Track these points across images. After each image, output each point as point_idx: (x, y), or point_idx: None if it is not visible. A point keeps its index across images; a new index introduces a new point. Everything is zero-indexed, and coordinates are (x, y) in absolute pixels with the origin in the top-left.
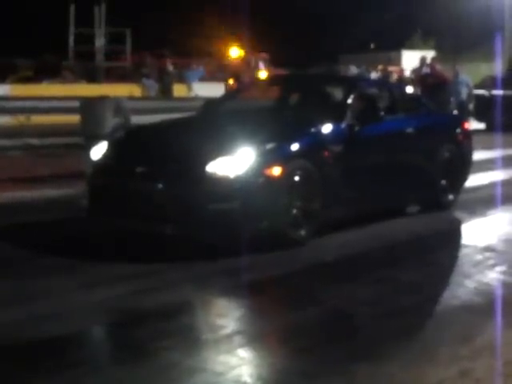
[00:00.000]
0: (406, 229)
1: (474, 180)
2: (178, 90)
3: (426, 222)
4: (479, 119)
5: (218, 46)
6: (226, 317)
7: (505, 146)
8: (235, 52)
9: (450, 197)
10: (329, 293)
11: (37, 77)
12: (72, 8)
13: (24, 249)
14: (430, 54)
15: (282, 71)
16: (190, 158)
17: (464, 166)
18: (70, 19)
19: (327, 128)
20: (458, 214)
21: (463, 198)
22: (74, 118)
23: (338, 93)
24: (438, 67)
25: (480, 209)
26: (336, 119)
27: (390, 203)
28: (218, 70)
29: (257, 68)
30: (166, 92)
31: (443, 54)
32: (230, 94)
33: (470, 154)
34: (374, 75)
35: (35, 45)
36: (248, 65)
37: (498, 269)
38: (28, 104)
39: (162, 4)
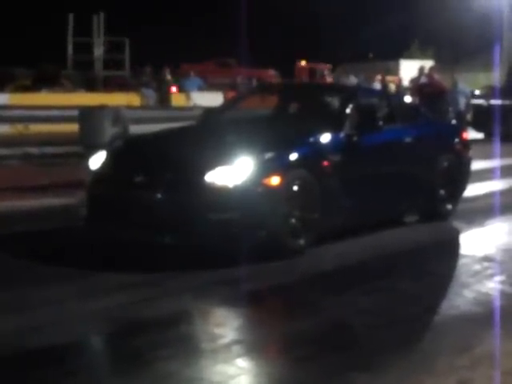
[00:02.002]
0: (404, 238)
1: (472, 190)
2: (177, 99)
3: (425, 231)
4: (477, 129)
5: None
6: (225, 326)
7: (503, 155)
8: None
9: (449, 206)
10: (327, 302)
11: (35, 86)
12: (71, 17)
13: (23, 258)
14: (428, 64)
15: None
16: (189, 167)
17: (462, 175)
18: (68, 28)
19: (326, 137)
20: (457, 224)
21: (461, 208)
22: (73, 127)
23: (336, 102)
24: (436, 77)
25: (478, 218)
26: (335, 129)
27: (389, 213)
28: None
29: (323, 77)
30: (164, 101)
31: (442, 63)
32: (228, 104)
33: (468, 164)
34: (376, 85)
35: (34, 54)
36: (313, 74)
37: (497, 279)
38: (26, 113)
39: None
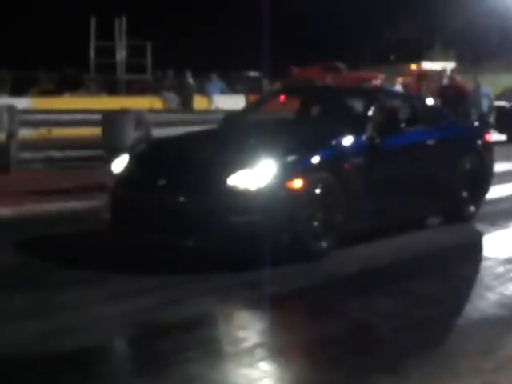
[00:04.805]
0: (427, 241)
1: (495, 192)
2: (199, 102)
3: (448, 233)
4: (500, 131)
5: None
6: (248, 329)
7: None
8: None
9: (472, 209)
10: (350, 305)
11: (58, 90)
12: (93, 21)
13: (46, 261)
14: (450, 66)
15: None
16: (212, 170)
17: (485, 177)
18: (90, 32)
19: (348, 140)
20: (480, 226)
21: (484, 210)
22: (96, 131)
23: (358, 105)
24: (458, 79)
25: (501, 221)
26: (357, 131)
27: (411, 215)
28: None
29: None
30: (186, 105)
31: (464, 65)
32: (251, 107)
33: (491, 166)
34: (398, 87)
35: (56, 58)
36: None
37: None
38: (49, 117)
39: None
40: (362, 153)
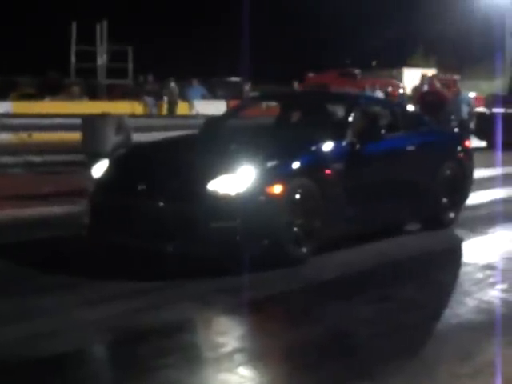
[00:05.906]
0: (406, 247)
1: (474, 198)
2: (180, 107)
3: (427, 239)
4: (480, 137)
5: None
6: (227, 335)
7: (505, 164)
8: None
9: (451, 215)
10: (330, 311)
11: (39, 94)
12: (74, 26)
13: (25, 266)
14: (431, 72)
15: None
16: (192, 175)
17: (465, 183)
18: (71, 37)
19: (328, 146)
20: (459, 232)
21: (464, 216)
22: (76, 136)
23: (339, 111)
24: (438, 85)
25: (481, 227)
26: (337, 137)
27: (391, 221)
28: None
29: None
30: (171, 111)
31: (445, 71)
32: (231, 112)
33: (470, 172)
34: (379, 94)
35: (37, 62)
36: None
37: (499, 287)
38: (29, 121)
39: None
40: (342, 158)
